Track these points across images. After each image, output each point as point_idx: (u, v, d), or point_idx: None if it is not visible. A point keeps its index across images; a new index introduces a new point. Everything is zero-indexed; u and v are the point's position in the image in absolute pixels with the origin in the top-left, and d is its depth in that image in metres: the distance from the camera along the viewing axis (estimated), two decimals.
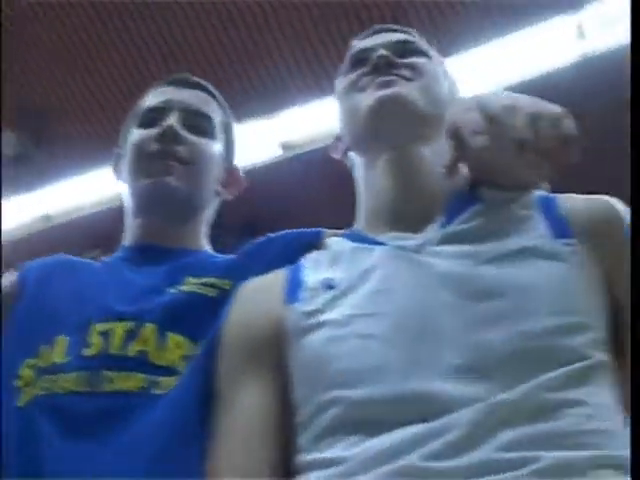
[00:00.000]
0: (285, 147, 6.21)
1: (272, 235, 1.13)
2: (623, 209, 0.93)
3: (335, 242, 0.98)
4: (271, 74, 5.37)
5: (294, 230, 1.12)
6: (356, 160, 1.05)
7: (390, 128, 0.97)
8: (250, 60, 5.58)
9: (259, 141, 6.53)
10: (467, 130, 0.86)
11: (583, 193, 0.97)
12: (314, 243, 1.02)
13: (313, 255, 0.98)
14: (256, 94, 5.42)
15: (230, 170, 1.27)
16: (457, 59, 6.66)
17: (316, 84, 4.94)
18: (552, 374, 0.78)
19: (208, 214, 1.24)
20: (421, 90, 1.00)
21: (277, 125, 5.52)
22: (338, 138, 1.09)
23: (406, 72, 1.01)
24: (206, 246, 1.22)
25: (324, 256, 0.96)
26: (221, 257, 1.17)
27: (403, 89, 0.98)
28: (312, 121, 5.07)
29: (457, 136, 0.88)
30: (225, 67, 5.47)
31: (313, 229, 1.08)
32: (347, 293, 0.88)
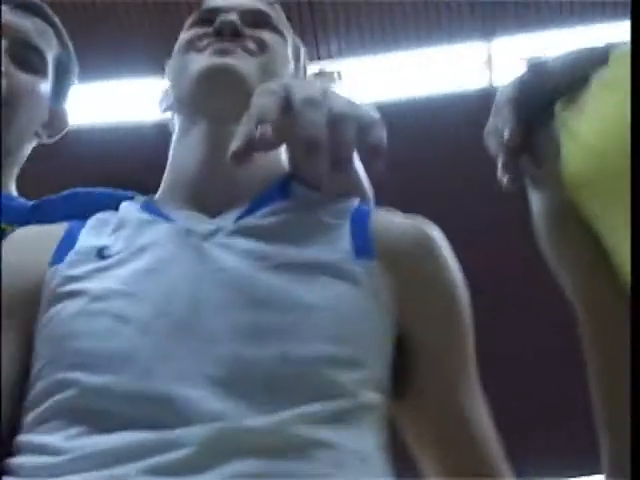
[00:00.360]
0: None
1: (80, 190, 1.03)
2: (438, 235, 0.85)
3: (126, 209, 0.89)
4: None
5: (105, 189, 1.02)
6: (176, 121, 0.96)
7: (213, 99, 0.89)
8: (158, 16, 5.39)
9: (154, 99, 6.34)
10: (255, 116, 0.74)
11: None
12: (113, 206, 0.93)
13: (102, 217, 0.88)
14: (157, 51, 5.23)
15: (55, 110, 1.16)
16: (364, 62, 6.67)
17: None
18: (308, 408, 0.68)
19: (21, 156, 1.13)
20: (259, 66, 0.91)
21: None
22: (166, 92, 0.99)
23: (250, 45, 0.92)
24: (14, 190, 1.11)
25: (112, 221, 0.87)
26: (20, 202, 1.06)
27: (240, 62, 0.89)
28: None
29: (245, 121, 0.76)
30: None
31: (124, 191, 0.99)
32: (116, 266, 0.78)
